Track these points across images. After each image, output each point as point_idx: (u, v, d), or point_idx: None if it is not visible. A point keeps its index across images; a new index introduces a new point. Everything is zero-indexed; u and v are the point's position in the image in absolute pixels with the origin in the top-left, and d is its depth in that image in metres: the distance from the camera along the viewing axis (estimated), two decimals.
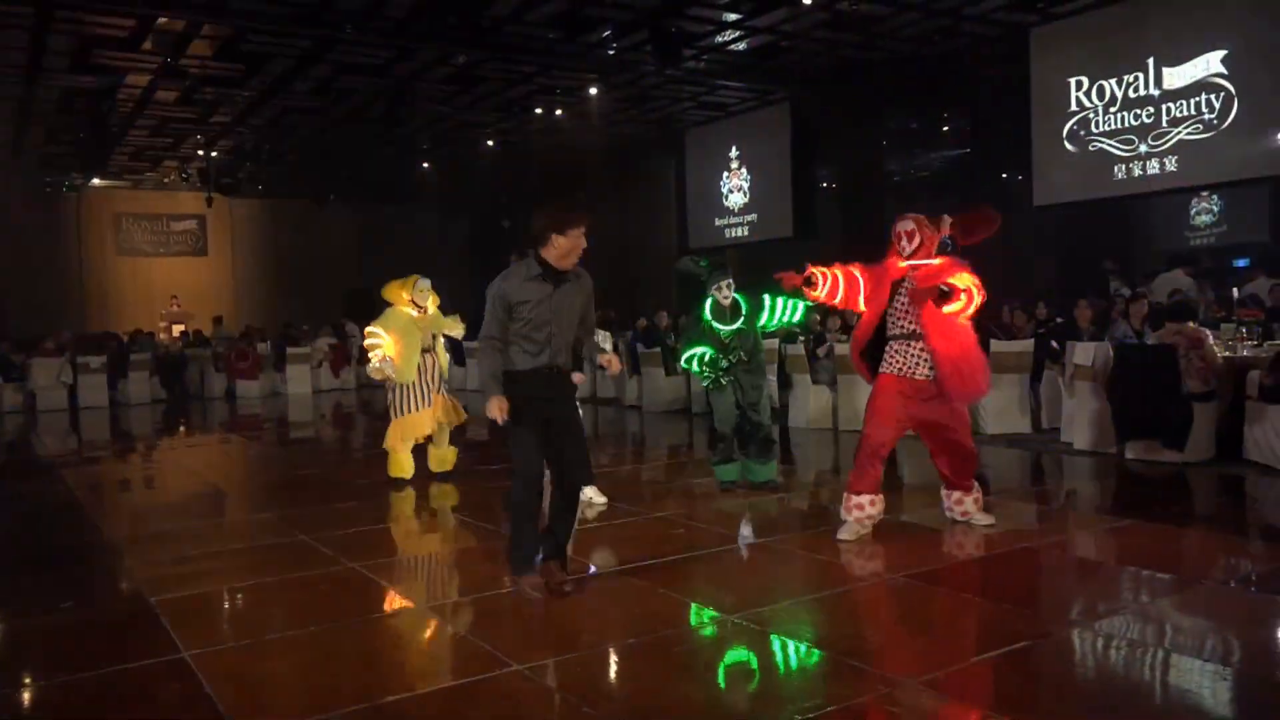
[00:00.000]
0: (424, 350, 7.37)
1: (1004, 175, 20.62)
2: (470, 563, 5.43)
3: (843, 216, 16.36)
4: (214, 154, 18.89)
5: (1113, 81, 11.45)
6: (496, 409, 4.28)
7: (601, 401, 14.03)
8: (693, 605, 4.38)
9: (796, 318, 7.07)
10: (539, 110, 16.34)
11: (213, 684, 3.62)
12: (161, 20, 11.41)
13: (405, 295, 7.44)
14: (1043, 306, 11.27)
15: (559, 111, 16.41)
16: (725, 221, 17.53)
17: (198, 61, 13.03)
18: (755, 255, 19.47)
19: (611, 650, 3.92)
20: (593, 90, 15.15)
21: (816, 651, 3.80)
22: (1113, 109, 11.48)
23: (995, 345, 9.40)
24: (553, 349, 4.38)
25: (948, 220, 5.51)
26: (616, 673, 3.76)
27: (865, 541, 5.43)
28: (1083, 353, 8.29)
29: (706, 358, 6.64)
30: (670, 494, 7.39)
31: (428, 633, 4.25)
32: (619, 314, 16.12)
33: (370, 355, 7.41)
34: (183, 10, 10.99)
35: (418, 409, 7.40)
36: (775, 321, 6.90)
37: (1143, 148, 11.16)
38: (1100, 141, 11.62)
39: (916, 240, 5.41)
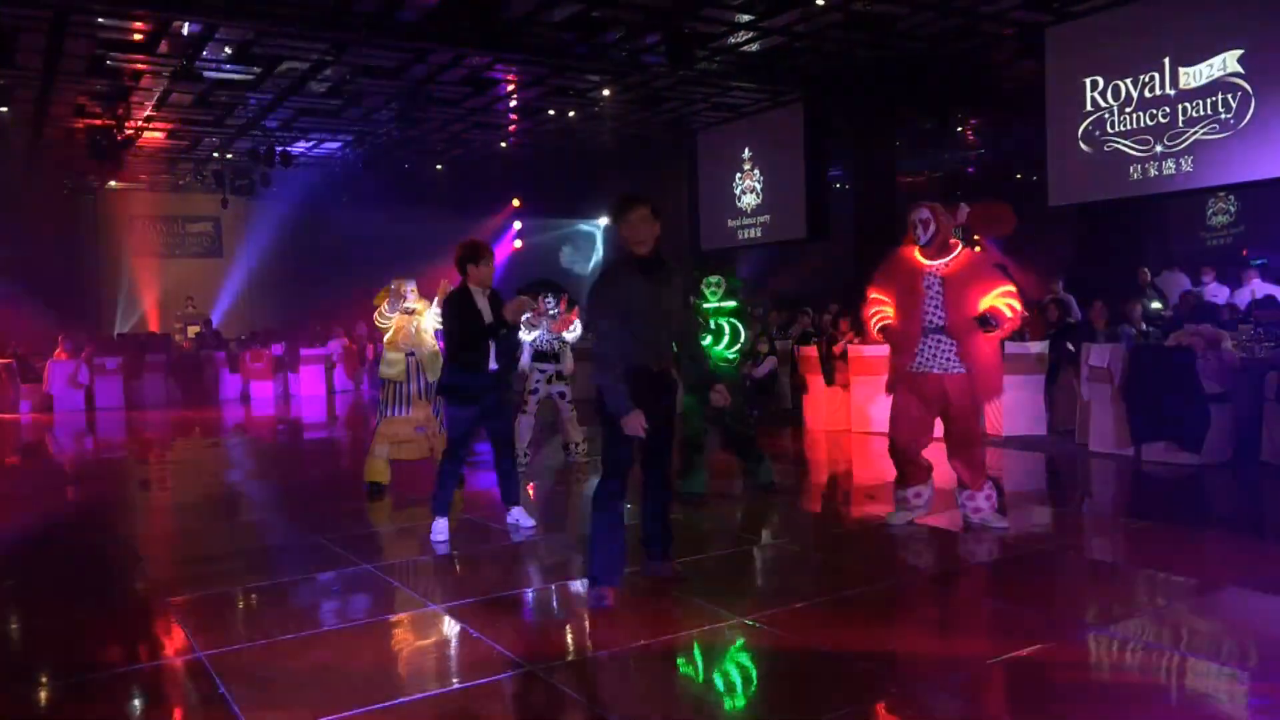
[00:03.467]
0: (408, 354, 7.31)
1: (1018, 175, 20.59)
2: (481, 562, 5.44)
3: (856, 217, 16.31)
4: (229, 156, 18.99)
5: (1128, 81, 11.38)
6: (638, 425, 4.18)
7: None
8: (705, 608, 4.38)
9: (731, 351, 6.96)
10: (551, 112, 16.36)
11: (228, 684, 3.64)
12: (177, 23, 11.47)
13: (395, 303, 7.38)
14: (1054, 308, 11.22)
15: (572, 113, 16.43)
16: (738, 223, 17.51)
17: (213, 64, 13.10)
18: (769, 257, 19.50)
19: (625, 653, 3.92)
20: (605, 92, 15.17)
21: (831, 654, 3.79)
22: (1128, 109, 11.41)
23: (1010, 346, 9.37)
24: (660, 347, 4.43)
25: (964, 209, 5.65)
26: (629, 675, 3.75)
27: (882, 544, 5.42)
28: (1098, 354, 8.25)
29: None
30: (678, 496, 7.38)
31: (441, 633, 4.25)
32: None
33: (385, 331, 7.36)
34: (199, 13, 11.05)
35: (398, 413, 7.37)
36: (721, 349, 6.87)
37: (1158, 148, 11.09)
38: (1116, 142, 11.55)
39: (932, 228, 5.49)
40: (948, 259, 5.52)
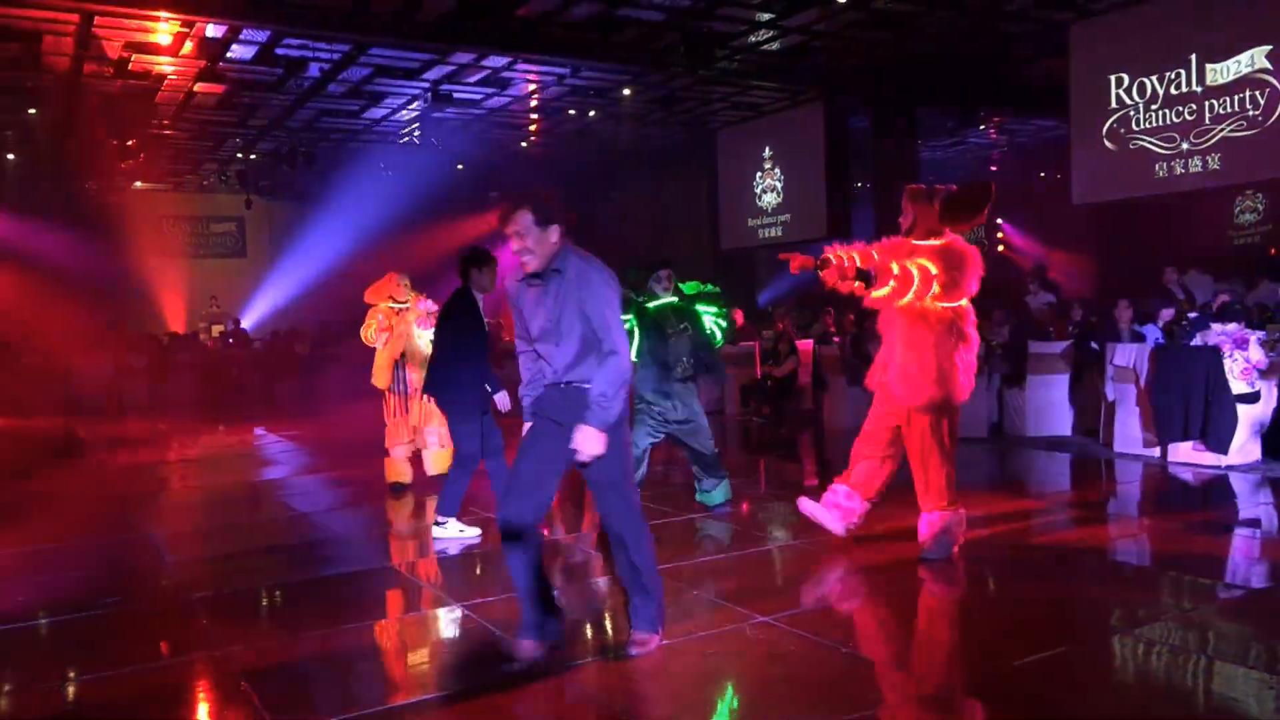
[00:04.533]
0: (403, 354, 7.27)
1: (1041, 174, 20.44)
2: (500, 562, 5.44)
3: (877, 216, 16.24)
4: (252, 157, 19.14)
5: (1154, 78, 11.27)
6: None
7: None
8: (725, 607, 4.36)
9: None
10: (571, 111, 16.39)
11: (251, 680, 3.66)
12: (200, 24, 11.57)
13: (385, 293, 7.38)
14: (1078, 307, 11.14)
15: (592, 113, 16.45)
16: (758, 222, 17.47)
17: (236, 66, 13.21)
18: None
19: (642, 650, 3.90)
20: (625, 91, 15.18)
21: (853, 655, 3.77)
22: (1154, 106, 11.29)
23: (1034, 346, 9.30)
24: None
25: (942, 193, 5.16)
26: (650, 675, 3.75)
27: (902, 543, 5.38)
28: (1123, 354, 8.17)
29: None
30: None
31: (464, 632, 4.26)
32: None
33: (371, 335, 7.37)
34: (223, 15, 11.13)
35: (395, 415, 7.38)
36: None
37: (1185, 145, 10.96)
38: (1141, 139, 11.43)
39: (910, 217, 5.13)
40: (927, 244, 5.03)
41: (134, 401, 16.46)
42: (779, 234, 17.08)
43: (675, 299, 6.27)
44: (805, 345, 11.82)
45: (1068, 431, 9.30)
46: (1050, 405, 9.32)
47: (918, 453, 4.95)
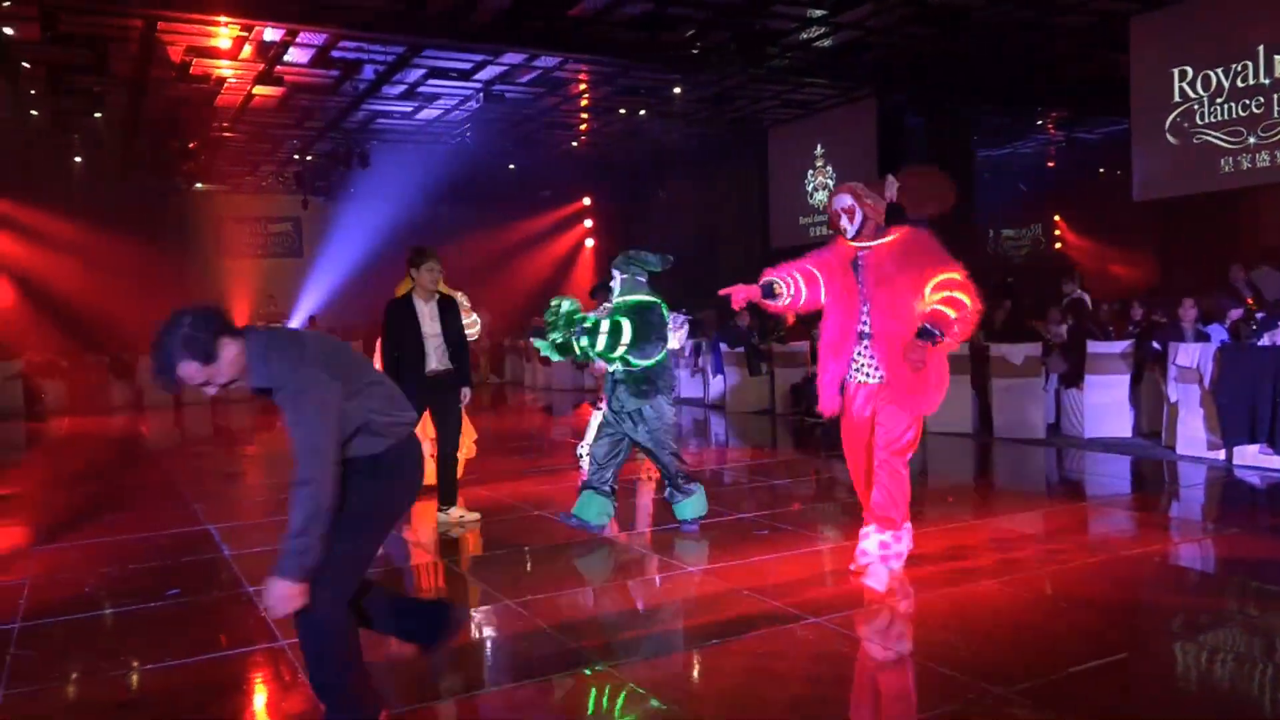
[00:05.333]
0: None
1: (1100, 170, 20.01)
2: (547, 557, 5.48)
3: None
4: (309, 158, 19.47)
5: (1219, 71, 10.96)
6: None
7: (684, 402, 14.03)
8: (778, 607, 4.34)
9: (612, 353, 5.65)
10: (622, 111, 16.42)
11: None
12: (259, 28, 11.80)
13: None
14: (1138, 306, 10.89)
15: (642, 112, 16.46)
16: (809, 220, 17.35)
17: (293, 69, 13.45)
18: None
19: (696, 651, 3.91)
20: (676, 90, 15.16)
21: (904, 658, 3.73)
22: (1219, 99, 10.98)
23: (1093, 346, 9.12)
24: None
25: (894, 184, 4.70)
26: (701, 673, 3.75)
27: (958, 544, 5.31)
28: (1187, 354, 7.97)
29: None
30: (753, 495, 7.34)
31: (514, 627, 4.29)
32: (704, 314, 16.06)
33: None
34: (281, 19, 11.34)
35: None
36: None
37: (1252, 139, 10.65)
38: (1206, 134, 11.13)
39: (859, 217, 4.63)
40: (880, 241, 4.64)
41: (194, 397, 16.85)
42: (829, 232, 16.94)
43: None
44: None
45: (1128, 433, 9.10)
46: (1109, 406, 9.12)
47: (887, 466, 4.59)
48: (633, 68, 13.89)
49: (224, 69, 13.36)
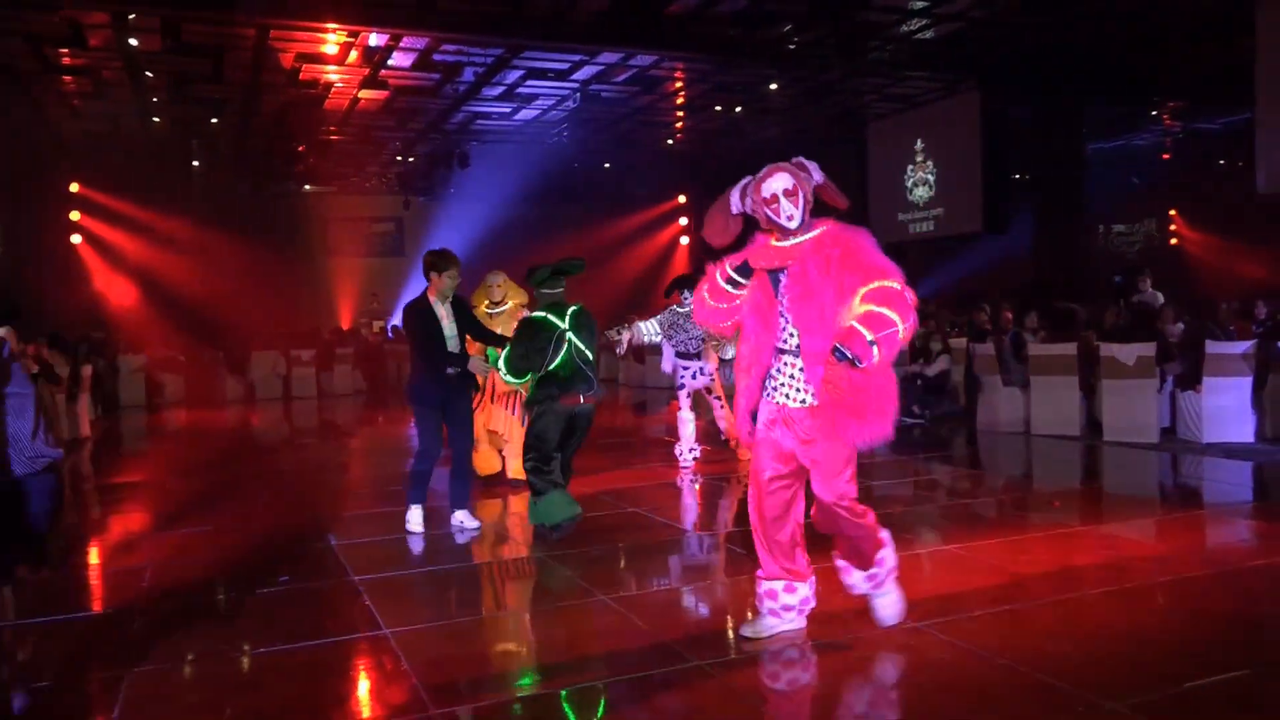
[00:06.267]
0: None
1: (1221, 161, 19.08)
2: (645, 556, 5.50)
3: (1036, 210, 15.54)
4: (410, 159, 19.98)
5: None
6: None
7: None
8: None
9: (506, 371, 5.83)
10: (718, 108, 16.35)
11: (411, 662, 3.82)
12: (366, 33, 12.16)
13: (482, 298, 7.42)
14: (1261, 305, 10.34)
15: (738, 109, 16.37)
16: (909, 216, 17.00)
17: (397, 72, 13.81)
18: (941, 251, 18.83)
19: (787, 650, 3.87)
20: (772, 86, 15.03)
21: (1010, 667, 3.62)
22: None
23: (1212, 347, 8.70)
24: None
25: (816, 170, 3.88)
26: (795, 674, 3.71)
27: (1065, 551, 5.13)
28: None
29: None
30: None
31: (611, 624, 4.32)
32: None
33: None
34: (386, 24, 11.66)
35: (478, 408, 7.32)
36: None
37: None
38: None
39: (800, 200, 3.77)
40: (804, 239, 3.77)
41: (303, 392, 17.47)
42: (930, 228, 16.59)
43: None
44: (958, 343, 11.42)
45: (1249, 438, 8.64)
46: (1230, 409, 8.68)
47: (833, 514, 3.79)
48: (729, 65, 13.83)
49: (331, 74, 13.81)
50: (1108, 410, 9.13)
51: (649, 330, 7.73)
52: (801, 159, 3.87)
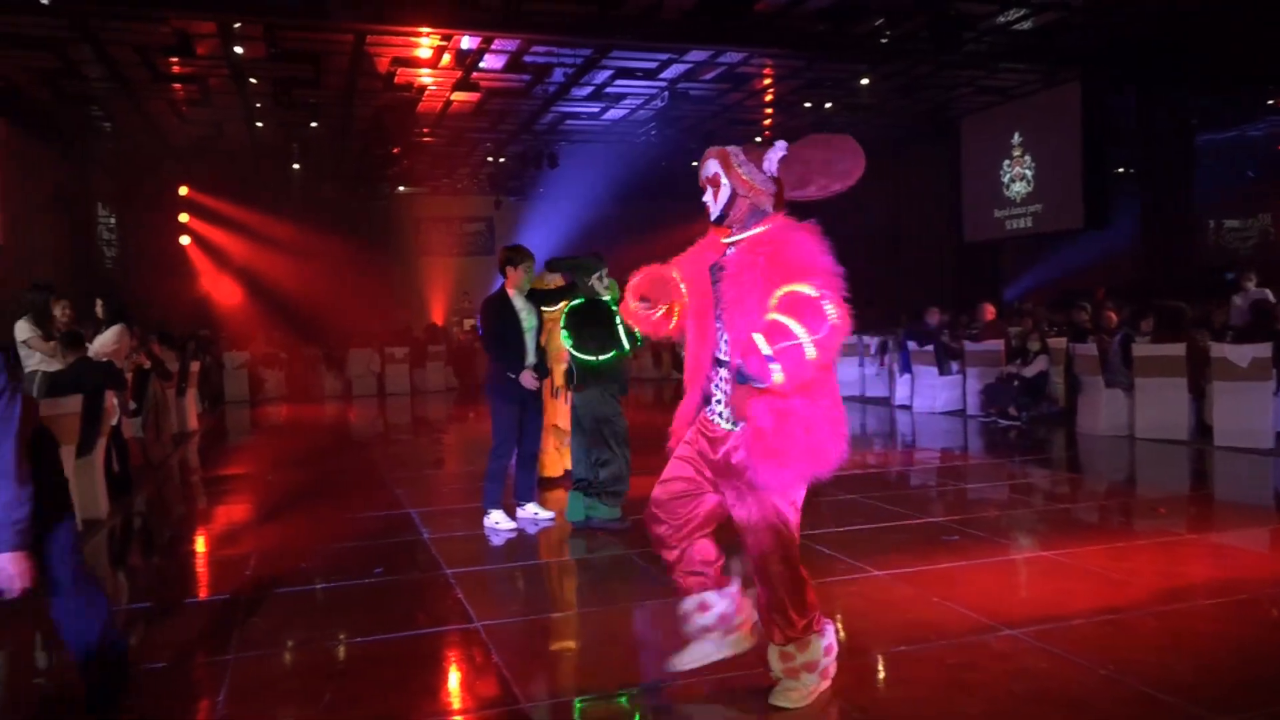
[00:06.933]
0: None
1: None
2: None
3: (1142, 205, 14.94)
4: (501, 160, 20.29)
5: None
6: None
7: (869, 401, 13.69)
8: (970, 616, 4.16)
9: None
10: (808, 104, 16.17)
11: (501, 655, 3.88)
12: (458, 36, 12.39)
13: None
14: None
15: (828, 105, 16.16)
16: (1005, 213, 16.54)
17: (488, 75, 14.03)
18: (1040, 248, 18.28)
19: (881, 657, 3.81)
20: (864, 81, 14.79)
21: (1112, 678, 3.49)
22: None
23: (1242, 349, 8.23)
24: None
25: (780, 150, 3.31)
26: (888, 679, 3.65)
27: (1171, 559, 4.92)
28: None
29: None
30: (942, 499, 7.08)
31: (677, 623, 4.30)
32: (891, 311, 15.59)
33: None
34: (478, 27, 11.87)
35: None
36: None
37: None
38: None
39: (725, 193, 3.28)
40: (740, 237, 3.28)
41: (397, 388, 17.91)
42: (1029, 225, 16.11)
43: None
44: (1057, 343, 11.07)
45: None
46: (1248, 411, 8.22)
47: (764, 552, 3.22)
48: (819, 60, 13.66)
49: (425, 77, 14.11)
50: (1219, 414, 8.73)
51: None
52: (757, 142, 3.35)
